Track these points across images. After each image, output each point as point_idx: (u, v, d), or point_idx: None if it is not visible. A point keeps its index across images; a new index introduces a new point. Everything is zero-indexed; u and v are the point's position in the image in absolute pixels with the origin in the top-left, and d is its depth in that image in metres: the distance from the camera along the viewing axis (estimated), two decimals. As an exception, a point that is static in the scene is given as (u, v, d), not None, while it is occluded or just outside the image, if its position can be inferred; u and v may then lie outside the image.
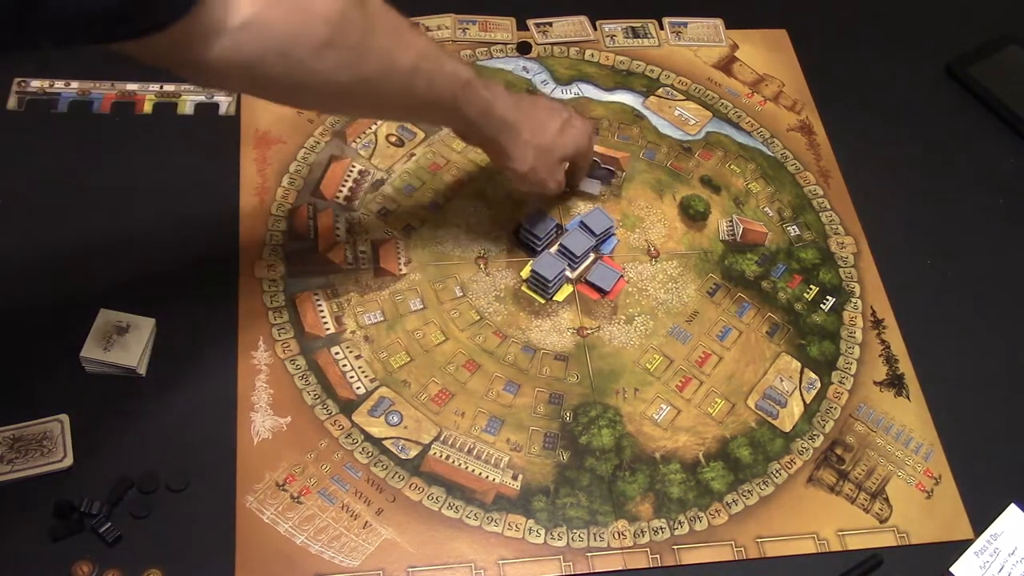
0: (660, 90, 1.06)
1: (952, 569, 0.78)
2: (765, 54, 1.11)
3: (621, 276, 0.91)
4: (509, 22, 1.09)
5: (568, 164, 0.88)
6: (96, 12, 0.49)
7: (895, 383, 0.88)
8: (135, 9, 0.50)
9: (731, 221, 0.96)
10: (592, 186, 0.95)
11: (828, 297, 0.92)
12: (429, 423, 0.81)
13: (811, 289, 0.93)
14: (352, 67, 0.64)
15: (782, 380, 0.87)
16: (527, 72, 1.05)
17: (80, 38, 0.50)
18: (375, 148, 0.97)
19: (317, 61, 0.61)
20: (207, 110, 0.97)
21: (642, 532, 0.77)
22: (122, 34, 0.52)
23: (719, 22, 1.12)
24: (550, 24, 1.09)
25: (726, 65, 1.09)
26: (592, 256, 0.92)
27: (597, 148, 0.99)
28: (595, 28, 1.10)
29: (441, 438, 0.81)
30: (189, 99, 0.98)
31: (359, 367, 0.83)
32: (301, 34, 0.59)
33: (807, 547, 0.78)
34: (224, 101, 0.98)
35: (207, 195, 0.90)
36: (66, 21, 0.48)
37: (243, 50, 0.57)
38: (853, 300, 0.92)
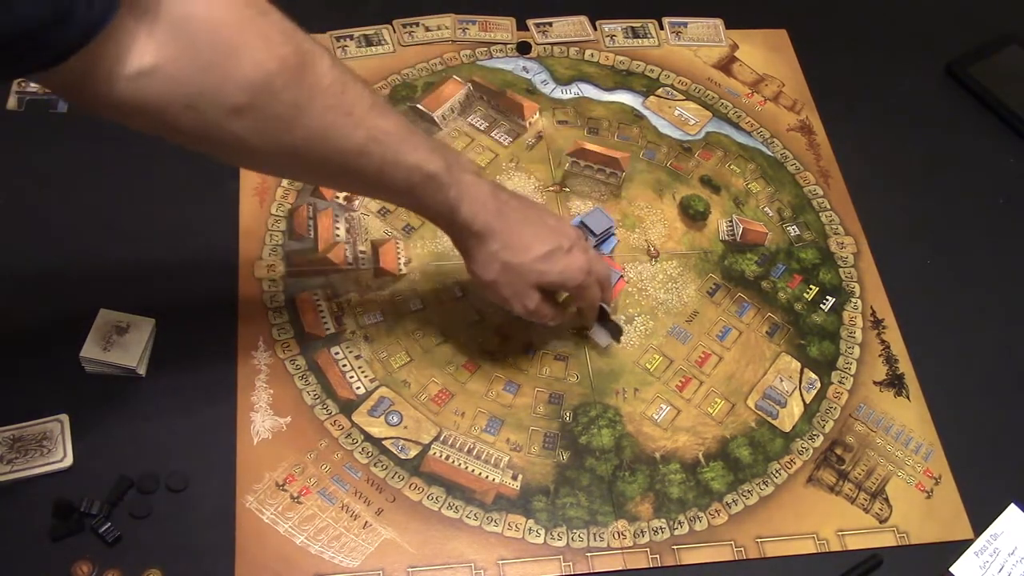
0: (660, 90, 1.06)
1: (952, 569, 0.78)
2: (765, 54, 1.11)
3: (621, 276, 0.90)
4: (509, 22, 1.09)
5: (568, 300, 0.81)
6: None
7: (895, 383, 0.88)
8: (15, 47, 0.47)
9: (731, 221, 0.96)
10: (600, 335, 0.86)
11: (828, 297, 0.92)
12: (429, 423, 0.81)
13: (811, 289, 0.93)
14: (274, 136, 0.60)
15: (782, 380, 0.87)
16: (527, 72, 1.05)
17: None
18: (375, 148, 0.97)
19: (230, 123, 0.57)
20: (207, 110, 0.97)
21: (642, 532, 0.77)
22: (6, 73, 0.50)
23: (719, 22, 1.12)
24: (550, 24, 1.09)
25: (726, 65, 1.09)
26: (592, 256, 0.92)
27: (594, 147, 0.99)
28: (595, 28, 1.10)
29: (441, 438, 0.81)
30: (189, 99, 0.97)
31: (359, 367, 0.83)
32: (212, 94, 0.56)
33: (807, 547, 0.78)
34: (224, 101, 0.98)
35: (207, 195, 0.90)
36: None
37: (144, 96, 0.54)
38: (853, 300, 0.92)
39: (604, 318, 0.84)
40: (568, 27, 1.10)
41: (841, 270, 0.94)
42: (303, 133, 0.61)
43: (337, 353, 0.84)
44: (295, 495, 0.76)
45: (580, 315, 0.83)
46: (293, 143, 0.61)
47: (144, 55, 0.53)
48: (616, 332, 0.86)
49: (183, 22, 0.54)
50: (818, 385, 0.87)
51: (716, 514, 0.79)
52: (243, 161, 0.65)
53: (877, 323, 0.91)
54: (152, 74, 0.53)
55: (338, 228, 0.91)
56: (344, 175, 0.67)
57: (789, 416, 0.85)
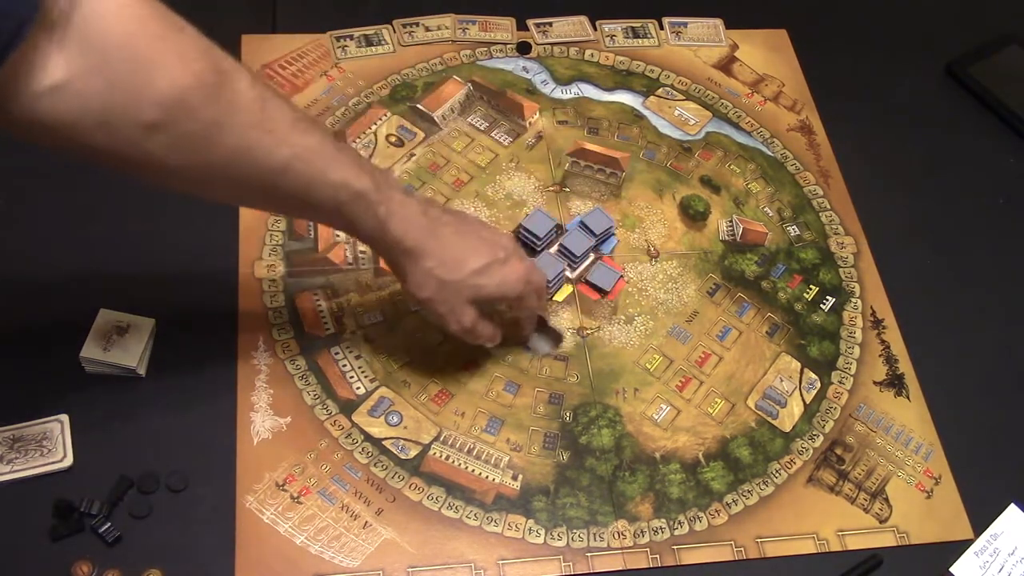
0: (660, 90, 1.06)
1: (952, 569, 0.78)
2: (765, 54, 1.11)
3: (621, 276, 0.91)
4: (509, 22, 1.09)
5: (509, 313, 0.82)
6: None
7: (895, 383, 0.88)
8: None
9: (731, 221, 0.96)
10: (540, 344, 0.86)
11: (828, 297, 0.92)
12: (429, 423, 0.81)
13: (811, 289, 0.93)
14: (190, 154, 0.59)
15: (782, 380, 0.87)
16: (527, 72, 1.05)
17: None
18: (375, 148, 0.97)
19: (145, 140, 0.56)
20: (207, 110, 0.97)
21: (642, 532, 0.77)
22: None
23: (719, 22, 1.12)
24: (550, 24, 1.09)
25: (726, 65, 1.09)
26: (592, 256, 0.92)
27: (594, 147, 0.99)
28: (595, 28, 1.10)
29: (441, 438, 0.81)
30: (189, 99, 0.97)
31: (359, 367, 0.83)
32: (125, 110, 0.54)
33: (807, 547, 0.78)
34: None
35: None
36: None
37: (55, 113, 0.53)
38: (853, 300, 0.92)
39: (542, 326, 0.84)
40: (568, 27, 1.10)
41: (841, 270, 0.94)
42: (222, 151, 0.60)
43: (337, 353, 0.84)
44: (295, 495, 0.76)
45: (518, 327, 0.83)
46: (211, 162, 0.60)
47: (54, 71, 0.51)
48: (556, 339, 0.86)
49: (95, 37, 0.52)
50: (818, 385, 0.87)
51: (716, 514, 0.79)
52: (161, 181, 0.63)
53: (877, 323, 0.91)
54: (62, 90, 0.52)
55: (338, 228, 0.91)
56: (268, 194, 0.66)
57: (789, 416, 0.85)
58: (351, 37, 1.05)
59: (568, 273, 0.90)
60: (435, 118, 1.00)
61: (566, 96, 1.04)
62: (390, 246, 0.71)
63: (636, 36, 1.10)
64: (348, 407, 0.81)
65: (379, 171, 0.70)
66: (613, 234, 0.93)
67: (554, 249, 0.90)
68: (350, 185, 0.66)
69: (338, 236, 0.90)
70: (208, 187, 0.65)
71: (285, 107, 0.63)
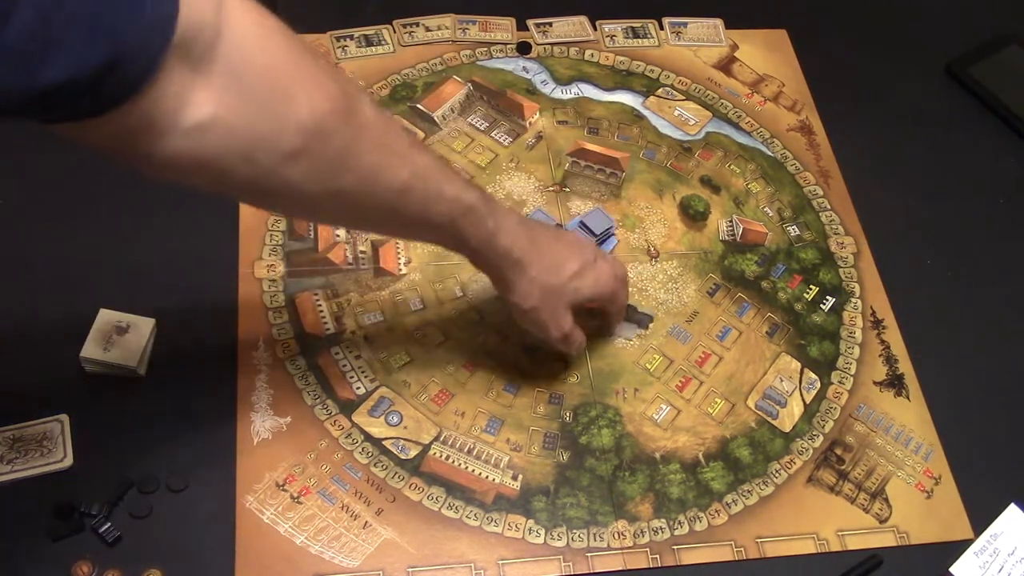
0: (660, 90, 1.06)
1: (952, 569, 0.78)
2: (765, 54, 1.11)
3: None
4: (509, 22, 1.09)
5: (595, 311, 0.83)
6: (20, 90, 0.43)
7: (895, 383, 0.88)
8: (64, 92, 0.44)
9: (731, 221, 0.96)
10: (628, 331, 0.88)
11: (828, 297, 0.92)
12: (429, 423, 0.81)
13: (811, 289, 0.93)
14: (327, 180, 0.58)
15: (782, 380, 0.87)
16: (527, 72, 1.05)
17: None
18: (375, 148, 0.97)
19: (286, 169, 0.55)
20: (207, 110, 0.97)
21: (642, 532, 0.77)
22: (49, 116, 0.47)
23: (719, 22, 1.12)
24: (550, 24, 1.09)
25: (726, 65, 1.09)
26: (592, 256, 0.92)
27: (594, 147, 0.99)
28: (595, 28, 1.10)
29: (441, 438, 0.81)
30: (189, 99, 0.97)
31: (359, 367, 0.83)
32: (269, 140, 0.54)
33: (807, 547, 0.78)
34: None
35: (206, 195, 0.90)
36: None
37: (199, 150, 0.51)
38: (853, 300, 0.92)
39: (630, 315, 0.87)
40: (568, 27, 1.10)
41: (841, 270, 0.94)
42: (353, 176, 0.60)
43: (337, 353, 0.84)
44: (295, 495, 0.76)
45: (609, 320, 0.85)
46: (343, 186, 0.60)
47: (202, 107, 0.50)
48: (646, 321, 0.89)
49: (239, 69, 0.51)
50: (818, 385, 0.87)
51: (716, 514, 0.79)
52: (293, 209, 0.63)
53: (877, 323, 0.91)
54: (211, 126, 0.51)
55: (338, 228, 0.91)
56: (390, 215, 0.65)
57: (789, 416, 0.85)
58: (351, 37, 1.05)
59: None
60: (435, 118, 1.00)
61: (566, 96, 1.04)
62: (498, 257, 0.72)
63: (636, 36, 1.10)
64: (348, 407, 0.81)
65: (478, 185, 0.71)
66: (613, 234, 0.93)
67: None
68: (462, 199, 0.67)
69: (338, 236, 0.91)
70: (336, 211, 0.65)
71: (399, 126, 0.64)
